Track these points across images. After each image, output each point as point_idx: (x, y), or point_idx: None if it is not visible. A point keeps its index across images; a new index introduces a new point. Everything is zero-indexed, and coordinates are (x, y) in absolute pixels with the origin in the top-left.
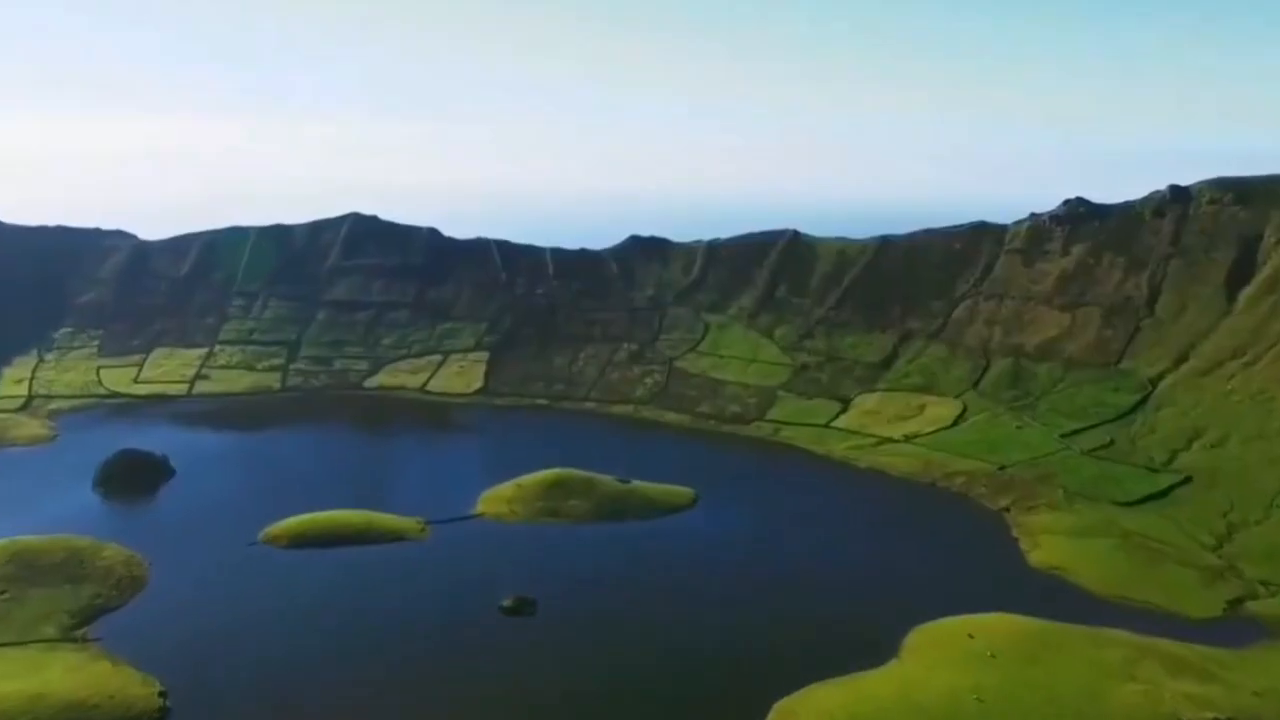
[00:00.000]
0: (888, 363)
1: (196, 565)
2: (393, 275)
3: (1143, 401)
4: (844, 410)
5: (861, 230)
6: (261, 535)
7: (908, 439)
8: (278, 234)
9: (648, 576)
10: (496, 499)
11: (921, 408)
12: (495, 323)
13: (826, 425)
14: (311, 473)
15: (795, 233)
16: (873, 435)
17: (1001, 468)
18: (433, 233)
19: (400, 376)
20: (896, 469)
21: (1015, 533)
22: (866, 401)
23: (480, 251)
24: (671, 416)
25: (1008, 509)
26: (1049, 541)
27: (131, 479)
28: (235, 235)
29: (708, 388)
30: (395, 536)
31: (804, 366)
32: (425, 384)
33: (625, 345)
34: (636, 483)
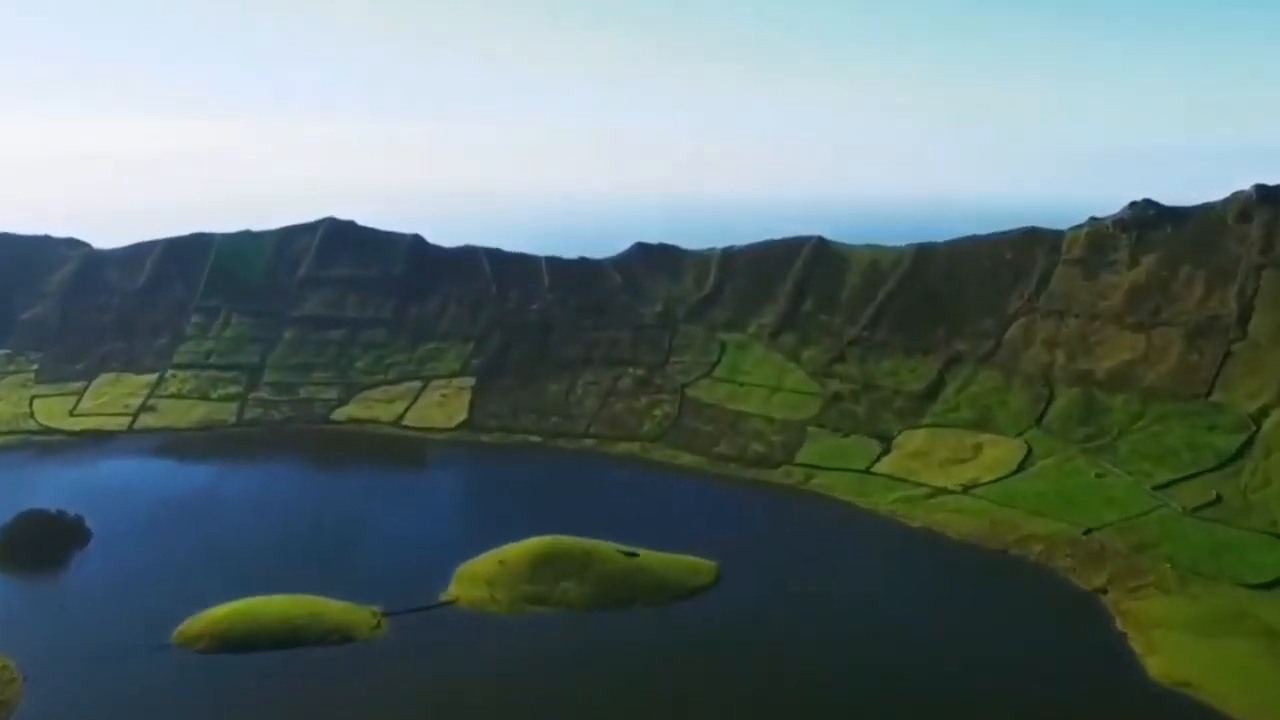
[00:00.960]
0: (933, 392)
1: (84, 680)
2: (370, 288)
3: (1248, 444)
4: (885, 451)
5: (891, 235)
6: (176, 634)
7: (966, 489)
8: (245, 242)
9: (660, 693)
10: (473, 578)
11: (977, 448)
12: (483, 343)
13: (867, 470)
14: (253, 537)
15: (821, 239)
16: (923, 484)
17: (1087, 531)
18: (416, 240)
19: (374, 407)
20: (956, 530)
21: (1121, 625)
22: (911, 440)
23: (468, 261)
24: (685, 458)
25: (1104, 590)
26: (1168, 641)
27: (35, 548)
28: (197, 243)
29: (726, 421)
30: (342, 635)
31: (836, 396)
32: (401, 416)
33: (630, 370)
34: (645, 553)
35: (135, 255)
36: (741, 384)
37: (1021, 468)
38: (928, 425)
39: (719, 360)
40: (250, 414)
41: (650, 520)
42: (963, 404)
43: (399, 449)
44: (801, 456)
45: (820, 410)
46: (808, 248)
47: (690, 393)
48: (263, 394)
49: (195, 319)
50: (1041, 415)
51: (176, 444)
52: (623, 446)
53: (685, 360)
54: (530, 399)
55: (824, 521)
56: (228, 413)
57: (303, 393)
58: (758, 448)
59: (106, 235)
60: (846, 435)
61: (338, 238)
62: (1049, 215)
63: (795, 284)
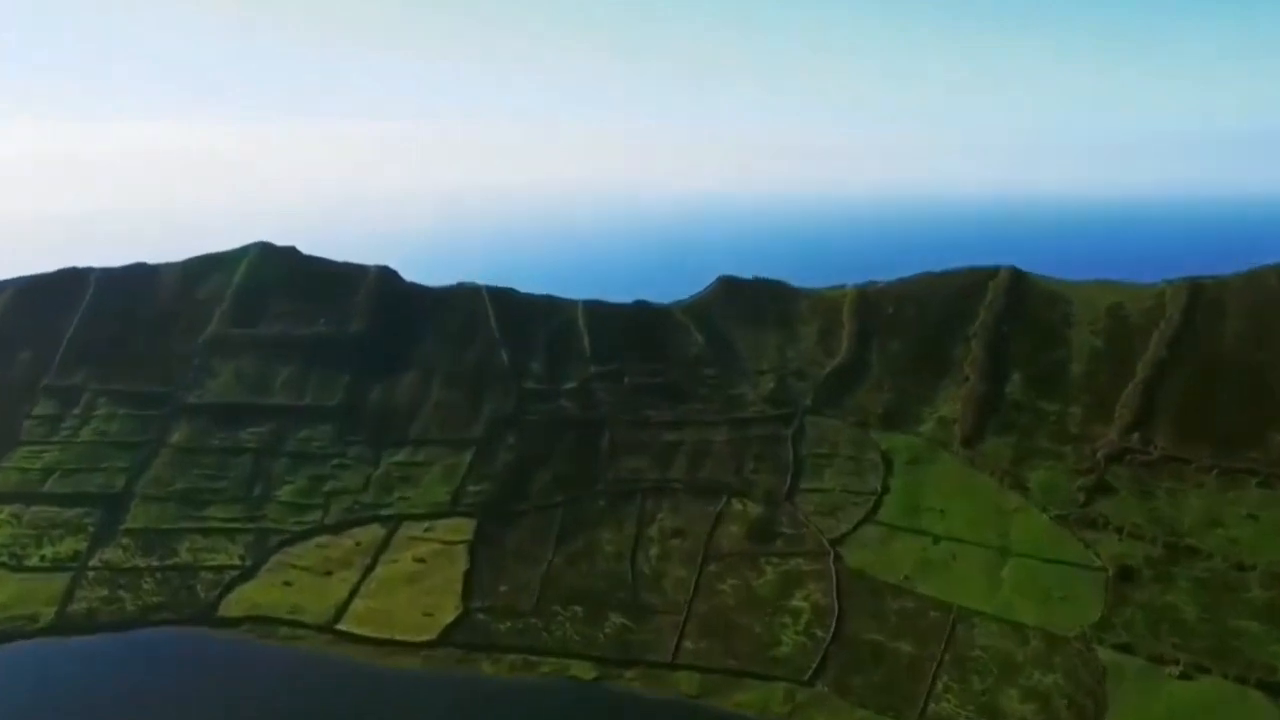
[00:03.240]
0: None
1: None
2: (313, 354)
3: None
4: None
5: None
6: None
7: None
8: (134, 282)
9: None
10: None
11: None
12: (487, 451)
13: None
14: None
15: (1015, 270)
16: None
17: None
18: (384, 276)
19: (296, 587)
20: None
21: None
22: None
23: (463, 307)
24: None
25: None
26: None
27: None
28: (65, 285)
29: (932, 632)
30: None
31: (1126, 573)
32: (341, 610)
33: (734, 503)
34: None
35: None
36: (937, 539)
37: None
38: None
39: (885, 486)
40: (81, 601)
41: None
42: None
43: (318, 704)
44: None
45: (1109, 605)
46: (998, 283)
47: (849, 557)
48: (115, 554)
49: (42, 406)
50: None
51: None
52: (749, 694)
53: (827, 486)
54: (570, 570)
55: None
56: (48, 594)
57: (182, 552)
58: (1018, 707)
59: None
60: (1192, 677)
61: (270, 273)
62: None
63: (988, 345)
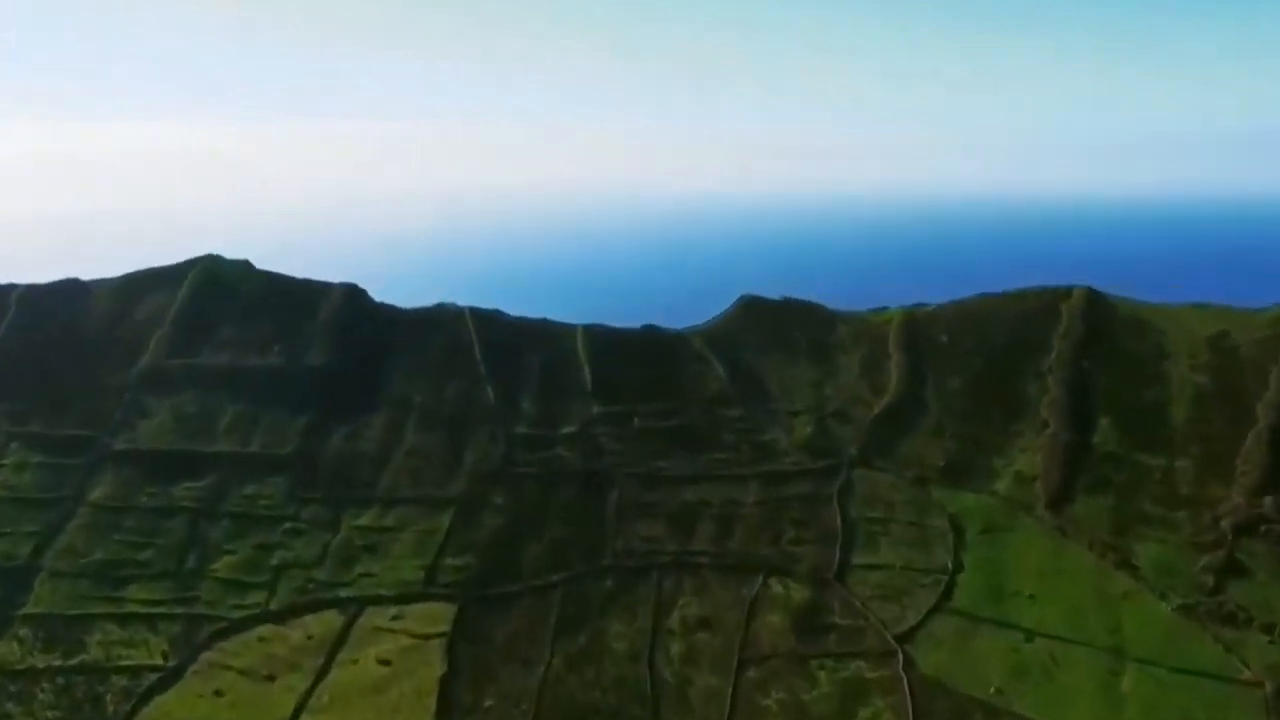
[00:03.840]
0: None
1: None
2: (265, 390)
3: None
4: None
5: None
6: None
7: None
8: (60, 300)
9: None
10: None
11: None
12: (470, 513)
13: None
14: None
15: (1090, 290)
16: None
17: None
18: (351, 296)
19: (229, 697)
20: None
21: None
22: None
23: (443, 335)
24: None
25: None
26: None
27: None
28: None
29: None
30: None
31: None
32: None
33: (774, 586)
34: None
35: None
36: (1030, 635)
37: None
38: None
39: (958, 562)
40: None
41: None
42: None
43: None
44: None
45: None
46: (1073, 306)
47: (921, 659)
48: (8, 650)
49: None
50: None
51: None
52: None
53: (885, 561)
54: (571, 676)
55: None
56: None
57: (92, 647)
58: None
59: None
60: None
61: (218, 292)
62: None
63: (1067, 382)
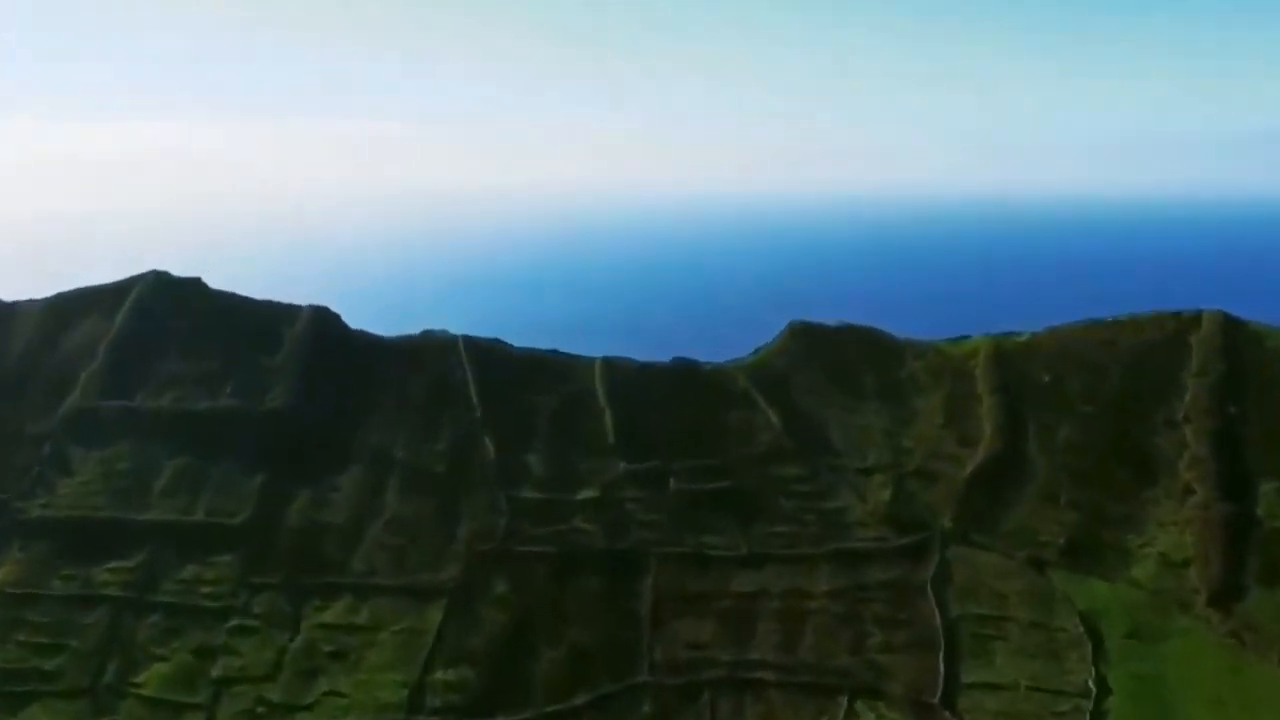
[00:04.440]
0: None
1: None
2: (214, 439)
3: None
4: None
5: None
6: None
7: None
8: None
9: None
10: None
11: None
12: (464, 605)
13: None
14: None
15: (1226, 316)
16: None
17: None
18: (319, 321)
19: None
20: None
21: None
22: None
23: (432, 371)
24: None
25: None
26: None
27: None
28: None
29: None
30: None
31: None
32: None
33: (854, 707)
34: None
35: None
36: None
37: None
38: None
39: (1102, 681)
40: None
41: None
42: None
43: None
44: None
45: None
46: (1205, 338)
47: None
48: None
49: None
50: None
51: None
52: None
53: (1005, 679)
54: None
55: None
56: None
57: None
58: None
59: None
60: None
61: (163, 317)
62: None
63: (1212, 435)
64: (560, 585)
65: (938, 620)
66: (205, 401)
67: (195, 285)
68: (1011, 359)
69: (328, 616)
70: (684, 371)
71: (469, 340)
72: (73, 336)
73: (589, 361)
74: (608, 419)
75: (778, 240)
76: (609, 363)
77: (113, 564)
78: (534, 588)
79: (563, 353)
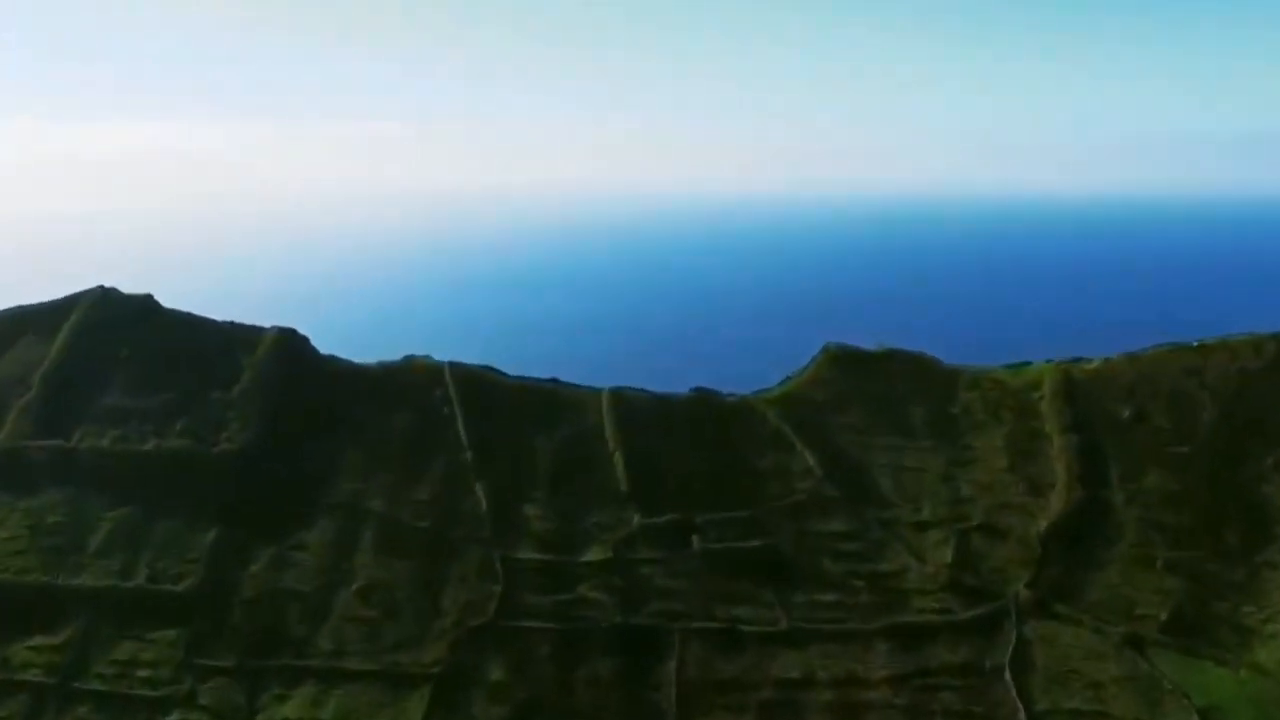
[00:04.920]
0: None
1: None
2: (160, 488)
3: None
4: None
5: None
6: None
7: None
8: None
9: None
10: None
11: None
12: (451, 693)
13: None
14: None
15: None
16: None
17: None
18: (287, 345)
19: None
20: None
21: None
22: None
23: (412, 404)
24: None
25: None
26: None
27: None
28: None
29: None
30: None
31: None
32: None
33: None
34: None
35: None
36: None
37: None
38: None
39: None
40: None
41: None
42: None
43: None
44: None
45: None
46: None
47: None
48: None
49: None
50: None
51: None
52: None
53: None
54: None
55: None
56: None
57: None
58: None
59: None
60: None
61: (106, 341)
62: None
63: None
64: (565, 668)
65: (1022, 716)
66: (151, 440)
67: (146, 303)
68: (1082, 390)
69: (288, 709)
70: (702, 403)
71: (457, 368)
72: (2, 364)
73: (595, 393)
74: (618, 462)
75: (778, 240)
76: (618, 394)
77: (34, 641)
78: (534, 672)
79: (565, 382)
